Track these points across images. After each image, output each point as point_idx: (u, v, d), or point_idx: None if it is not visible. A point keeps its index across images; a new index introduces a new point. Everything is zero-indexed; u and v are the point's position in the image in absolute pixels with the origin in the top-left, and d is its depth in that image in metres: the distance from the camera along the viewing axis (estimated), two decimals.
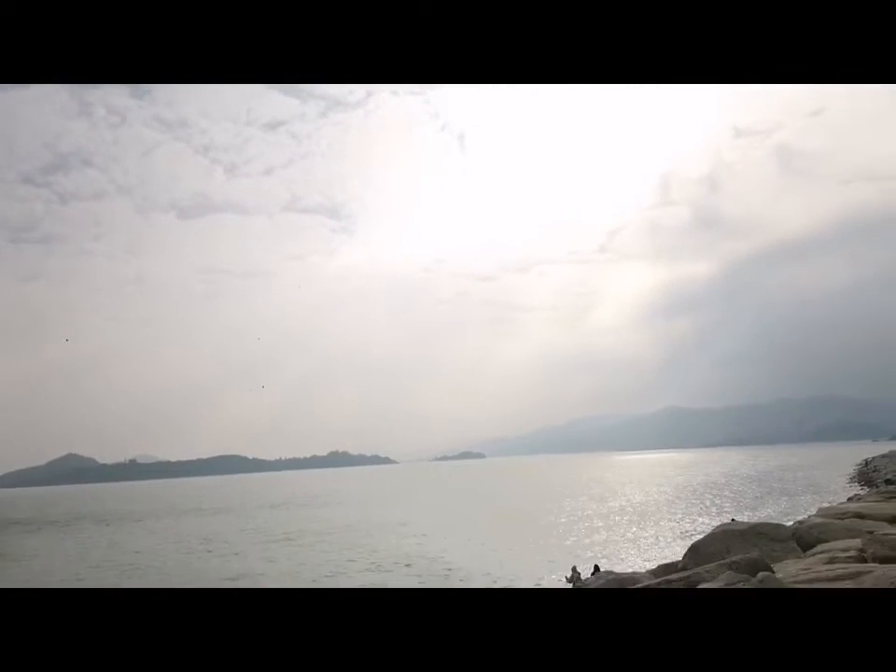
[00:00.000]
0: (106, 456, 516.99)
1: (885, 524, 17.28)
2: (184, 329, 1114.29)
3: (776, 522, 20.13)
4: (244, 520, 66.55)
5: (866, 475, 70.11)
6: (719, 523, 40.20)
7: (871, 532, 14.91)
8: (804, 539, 16.75)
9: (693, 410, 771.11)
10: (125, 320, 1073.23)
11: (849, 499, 37.51)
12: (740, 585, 14.84)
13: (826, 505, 28.24)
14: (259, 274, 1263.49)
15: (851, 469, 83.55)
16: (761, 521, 25.91)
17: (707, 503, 55.21)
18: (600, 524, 45.56)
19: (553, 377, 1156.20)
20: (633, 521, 45.58)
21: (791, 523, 20.40)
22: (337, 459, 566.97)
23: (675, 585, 13.61)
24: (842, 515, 19.31)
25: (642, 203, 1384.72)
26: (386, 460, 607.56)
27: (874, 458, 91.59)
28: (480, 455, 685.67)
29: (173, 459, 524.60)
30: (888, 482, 49.72)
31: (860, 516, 18.87)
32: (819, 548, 15.13)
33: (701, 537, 19.21)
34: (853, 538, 15.25)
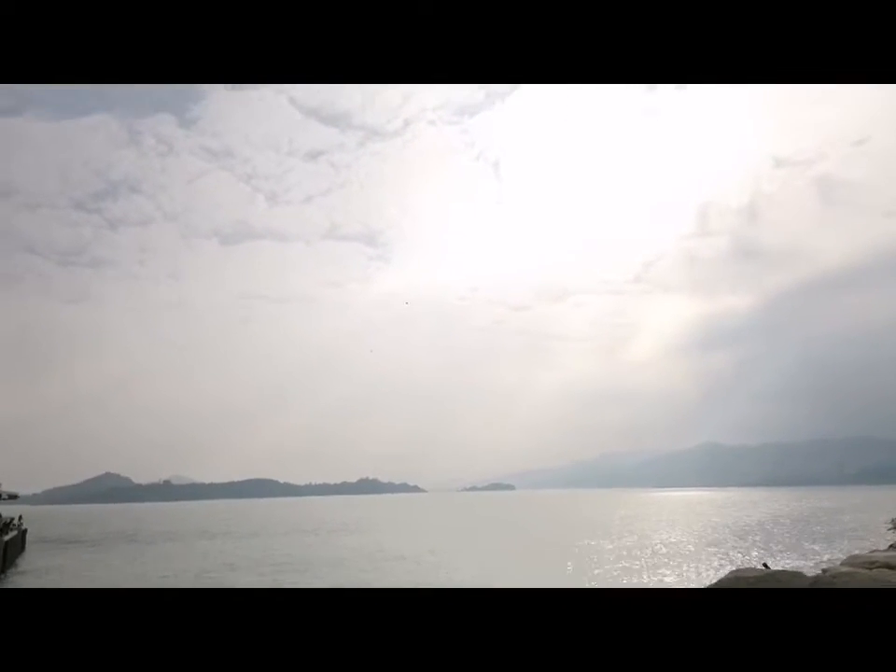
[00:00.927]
0: (142, 477, 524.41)
1: None
2: (222, 354, 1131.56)
3: (797, 570, 19.07)
4: (268, 545, 66.61)
5: None
6: (746, 567, 39.08)
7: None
8: None
9: (729, 447, 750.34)
10: (166, 343, 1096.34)
11: (891, 546, 35.89)
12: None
13: (858, 552, 26.87)
14: (296, 300, 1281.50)
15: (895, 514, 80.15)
16: (792, 567, 24.94)
17: (739, 546, 53.41)
18: (622, 563, 44.41)
19: (586, 409, 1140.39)
20: (655, 563, 44.28)
21: (818, 571, 19.48)
22: (366, 486, 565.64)
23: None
24: (870, 564, 17.95)
25: (679, 232, 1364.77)
26: (415, 489, 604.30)
27: None
28: (510, 487, 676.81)
29: (206, 481, 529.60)
30: None
31: (889, 567, 17.45)
32: None
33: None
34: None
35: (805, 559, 42.76)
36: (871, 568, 16.44)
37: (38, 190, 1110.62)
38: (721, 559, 44.75)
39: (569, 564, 44.28)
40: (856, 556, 19.99)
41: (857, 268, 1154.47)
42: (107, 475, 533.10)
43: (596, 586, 34.60)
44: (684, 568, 40.85)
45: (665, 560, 45.46)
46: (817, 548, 50.04)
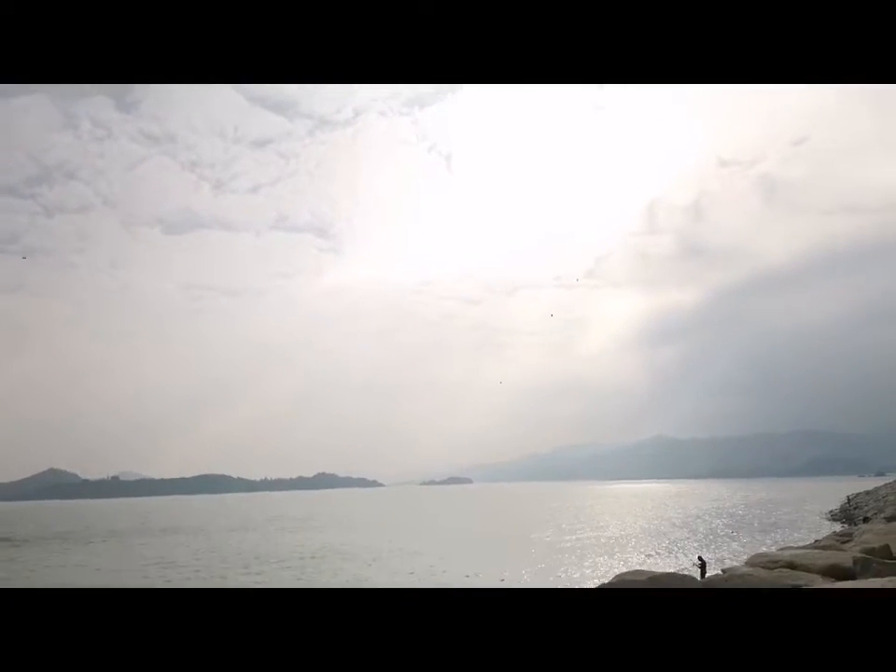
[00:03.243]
0: (88, 472, 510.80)
1: (817, 576, 15.63)
2: (168, 345, 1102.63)
3: (683, 573, 18.15)
4: (214, 542, 65.09)
5: (847, 512, 69.25)
6: (674, 560, 39.37)
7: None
8: None
9: (680, 440, 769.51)
10: (109, 334, 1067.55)
11: (827, 537, 36.30)
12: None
13: (765, 549, 26.58)
14: (245, 292, 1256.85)
15: (835, 506, 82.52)
16: (724, 559, 24.66)
17: (670, 538, 54.04)
18: (556, 555, 44.77)
19: (539, 403, 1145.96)
20: (582, 554, 44.65)
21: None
22: (323, 481, 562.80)
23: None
24: (772, 564, 17.46)
25: (629, 229, 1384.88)
26: (374, 483, 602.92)
27: (857, 495, 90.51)
28: (467, 481, 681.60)
29: (156, 477, 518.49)
30: (865, 519, 48.99)
31: (791, 566, 16.98)
32: None
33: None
34: None
35: (718, 551, 43.44)
36: (772, 569, 16.19)
37: None
38: (649, 551, 45.10)
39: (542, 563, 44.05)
40: (761, 554, 19.74)
41: (799, 265, 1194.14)
42: (51, 471, 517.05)
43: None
44: (606, 561, 40.92)
45: (591, 552, 45.71)
46: (745, 539, 50.82)
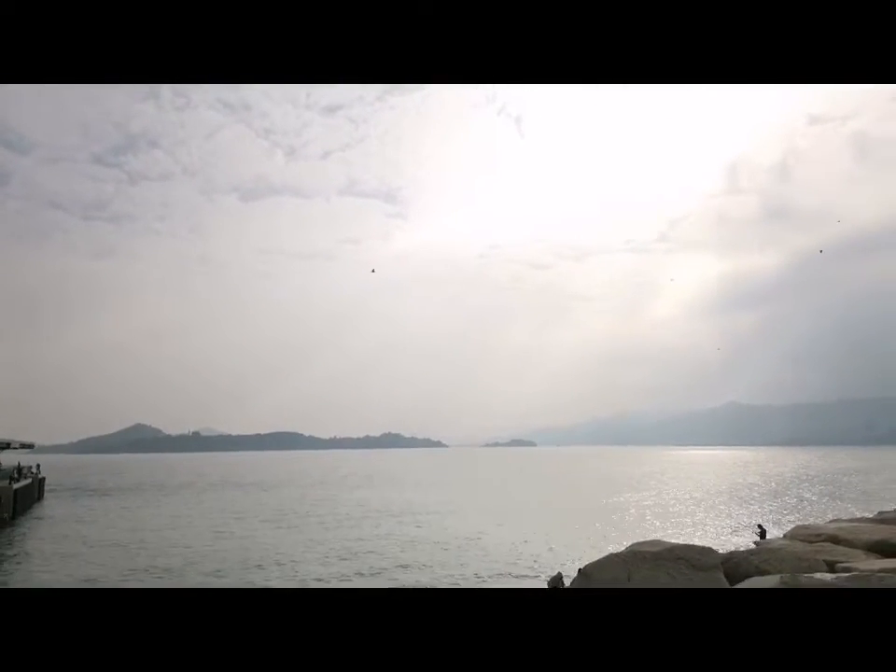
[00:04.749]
0: (171, 428, 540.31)
1: (859, 552, 14.29)
2: (245, 308, 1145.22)
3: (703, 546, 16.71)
4: (287, 497, 68.32)
5: None
6: (734, 528, 38.90)
7: (831, 564, 12.83)
8: (739, 568, 13.84)
9: (754, 407, 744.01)
10: (191, 297, 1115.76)
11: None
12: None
13: (809, 522, 25.24)
14: (316, 256, 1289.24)
15: None
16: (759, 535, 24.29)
17: (735, 507, 52.84)
18: (608, 521, 44.61)
19: (607, 368, 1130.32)
20: (635, 522, 44.29)
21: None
22: (389, 441, 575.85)
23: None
24: (815, 538, 16.09)
25: (707, 190, 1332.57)
26: (438, 444, 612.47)
27: None
28: (531, 444, 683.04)
29: (233, 433, 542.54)
30: None
31: (834, 540, 15.54)
32: (746, 583, 11.69)
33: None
34: (806, 570, 12.43)
35: (783, 519, 42.49)
36: (813, 542, 15.36)
37: (58, 144, 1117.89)
38: (708, 519, 44.61)
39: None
40: (805, 526, 18.42)
41: (890, 228, 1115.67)
42: (137, 426, 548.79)
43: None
44: (662, 529, 40.71)
45: (647, 520, 45.44)
46: (812, 509, 49.51)
